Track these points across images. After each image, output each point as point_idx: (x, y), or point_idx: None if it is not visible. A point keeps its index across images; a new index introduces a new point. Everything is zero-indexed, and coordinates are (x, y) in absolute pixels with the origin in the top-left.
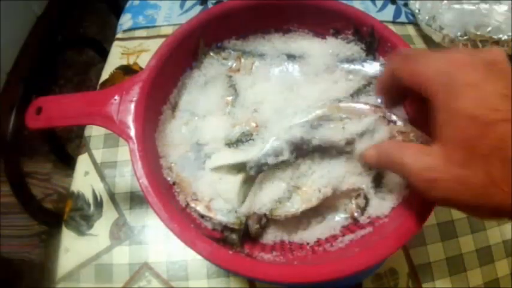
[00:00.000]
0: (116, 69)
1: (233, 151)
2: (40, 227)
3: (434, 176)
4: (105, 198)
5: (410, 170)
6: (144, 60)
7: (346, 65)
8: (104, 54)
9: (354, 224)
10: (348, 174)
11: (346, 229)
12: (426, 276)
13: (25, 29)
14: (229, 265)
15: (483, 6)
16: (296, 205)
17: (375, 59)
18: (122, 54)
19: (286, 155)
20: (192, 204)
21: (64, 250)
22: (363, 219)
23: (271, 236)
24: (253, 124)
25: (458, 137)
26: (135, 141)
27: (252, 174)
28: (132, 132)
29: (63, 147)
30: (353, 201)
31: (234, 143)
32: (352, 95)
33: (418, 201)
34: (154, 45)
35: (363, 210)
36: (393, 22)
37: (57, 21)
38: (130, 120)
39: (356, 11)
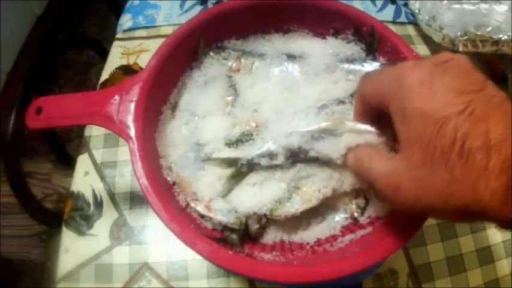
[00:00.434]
0: (116, 69)
1: (233, 151)
2: (40, 227)
3: (396, 180)
4: (105, 198)
5: (376, 176)
6: (144, 60)
7: (346, 65)
8: (104, 54)
9: (354, 224)
10: (348, 174)
11: (346, 229)
12: (426, 276)
13: (25, 29)
14: (229, 265)
15: (483, 6)
16: (296, 205)
17: (375, 59)
18: (122, 54)
19: (280, 160)
20: (192, 204)
21: (64, 250)
22: (363, 219)
23: (271, 236)
24: (253, 124)
25: (413, 137)
26: (135, 141)
27: (242, 171)
28: (132, 132)
29: (63, 147)
30: (353, 201)
31: (234, 143)
32: (352, 95)
33: None
34: (154, 45)
35: (363, 210)
36: (393, 22)
37: (57, 21)
38: (130, 120)
39: (356, 11)
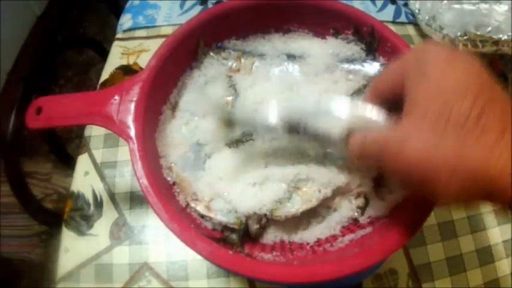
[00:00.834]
0: (116, 69)
1: (233, 151)
2: (40, 227)
3: (403, 136)
4: (105, 198)
5: (386, 141)
6: (144, 60)
7: (346, 65)
8: (104, 54)
9: (354, 224)
10: (348, 174)
11: (346, 229)
12: (426, 276)
13: (25, 29)
14: (229, 265)
15: (483, 6)
16: (296, 205)
17: (374, 59)
18: (122, 54)
19: (276, 132)
20: (192, 204)
21: (64, 250)
22: (362, 219)
23: (271, 236)
24: None
25: (429, 98)
26: (135, 141)
27: (237, 133)
28: (132, 132)
29: (63, 147)
30: (353, 201)
31: (234, 143)
32: (352, 95)
33: (418, 201)
34: (154, 45)
35: (363, 210)
36: (393, 22)
37: (57, 21)
38: (130, 120)
39: (356, 11)
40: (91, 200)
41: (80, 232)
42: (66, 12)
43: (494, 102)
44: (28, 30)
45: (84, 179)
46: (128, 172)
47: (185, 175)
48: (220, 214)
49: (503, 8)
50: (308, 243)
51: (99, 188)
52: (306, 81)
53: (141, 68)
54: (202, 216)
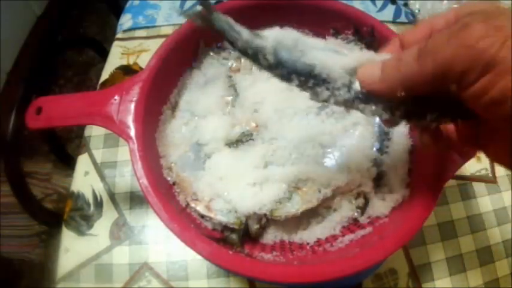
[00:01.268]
0: (116, 69)
1: (233, 151)
2: (40, 227)
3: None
4: (105, 198)
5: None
6: (144, 60)
7: None
8: (104, 54)
9: (354, 224)
10: (348, 174)
11: (346, 229)
12: (426, 276)
13: (25, 29)
14: (229, 265)
15: None
16: (296, 205)
17: None
18: (122, 54)
19: (265, 59)
20: (192, 204)
21: (64, 250)
22: (362, 219)
23: (271, 236)
24: (253, 124)
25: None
26: (135, 141)
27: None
28: (132, 132)
29: (63, 147)
30: (353, 201)
31: (234, 143)
32: None
33: (417, 201)
34: (154, 45)
35: (363, 210)
36: (393, 22)
37: (57, 21)
38: (130, 120)
39: (356, 11)
40: (91, 200)
41: (80, 232)
42: (66, 12)
43: None
44: (28, 30)
45: (84, 179)
46: (128, 172)
47: (185, 175)
48: (220, 214)
49: None
50: (308, 243)
51: (99, 188)
52: None
53: (141, 68)
54: (202, 216)
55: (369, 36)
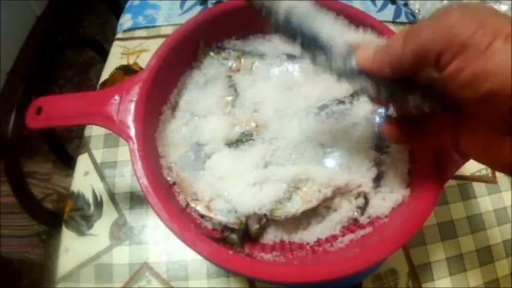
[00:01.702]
0: (116, 69)
1: (233, 151)
2: (40, 227)
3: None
4: (105, 198)
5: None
6: (144, 60)
7: None
8: (104, 54)
9: (354, 224)
10: (348, 174)
11: (346, 229)
12: (426, 276)
13: (25, 29)
14: (229, 265)
15: None
16: (296, 206)
17: None
18: (122, 54)
19: (276, 19)
20: (192, 204)
21: (64, 250)
22: (362, 219)
23: (271, 236)
24: (253, 124)
25: None
26: (135, 141)
27: None
28: (132, 132)
29: (63, 147)
30: (353, 201)
31: (234, 143)
32: (352, 95)
33: (417, 201)
34: (154, 45)
35: (363, 210)
36: (393, 22)
37: (57, 21)
38: (130, 120)
39: (356, 11)
40: (91, 200)
41: (80, 232)
42: (66, 12)
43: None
44: (28, 30)
45: (84, 179)
46: (128, 172)
47: (185, 175)
48: (220, 214)
49: (503, 8)
50: (308, 243)
51: (99, 188)
52: (306, 81)
53: (141, 68)
54: (202, 216)
55: None
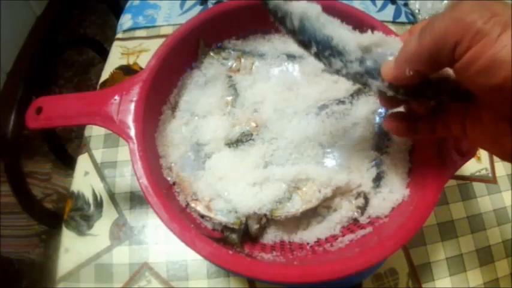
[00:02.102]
0: (116, 69)
1: (233, 151)
2: (40, 227)
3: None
4: (105, 198)
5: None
6: (144, 60)
7: None
8: (104, 54)
9: (354, 224)
10: (348, 174)
11: (346, 229)
12: (426, 276)
13: (25, 29)
14: (229, 265)
15: None
16: (296, 206)
17: None
18: (122, 54)
19: (291, 23)
20: (192, 204)
21: (64, 250)
22: (362, 219)
23: (271, 236)
24: (253, 124)
25: None
26: (135, 141)
27: None
28: (132, 132)
29: (63, 147)
30: (353, 201)
31: (234, 143)
32: (352, 95)
33: (417, 201)
34: (154, 45)
35: (363, 210)
36: (393, 22)
37: (57, 21)
38: (130, 120)
39: (356, 11)
40: (91, 200)
41: (80, 232)
42: (66, 12)
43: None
44: (28, 30)
45: (84, 179)
46: (128, 172)
47: (185, 175)
48: (220, 214)
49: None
50: (308, 243)
51: (99, 188)
52: (306, 81)
53: (141, 68)
54: (202, 216)
55: None
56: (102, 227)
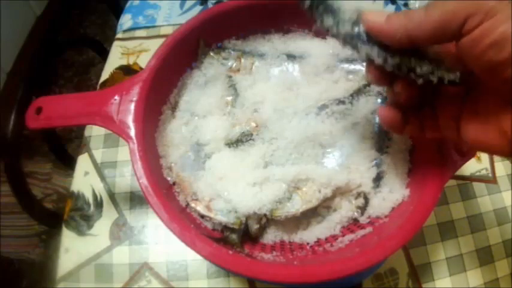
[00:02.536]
0: (116, 69)
1: (233, 151)
2: (40, 227)
3: None
4: (105, 198)
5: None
6: (144, 60)
7: (346, 65)
8: (104, 54)
9: (354, 224)
10: (348, 174)
11: (346, 229)
12: (426, 276)
13: (25, 29)
14: (229, 265)
15: None
16: (296, 206)
17: None
18: (122, 54)
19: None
20: (192, 204)
21: (64, 250)
22: (362, 219)
23: (271, 236)
24: (253, 124)
25: None
26: (135, 141)
27: None
28: (132, 132)
29: (63, 147)
30: (353, 201)
31: (234, 143)
32: (352, 95)
33: (417, 201)
34: (154, 45)
35: (363, 210)
36: None
37: (57, 21)
38: (130, 120)
39: None
40: (91, 200)
41: (80, 232)
42: (66, 12)
43: None
44: (28, 30)
45: (84, 179)
46: (128, 172)
47: (185, 175)
48: (220, 214)
49: None
50: (308, 243)
51: (99, 188)
52: (306, 81)
53: (141, 68)
54: (202, 216)
55: None
56: (102, 227)
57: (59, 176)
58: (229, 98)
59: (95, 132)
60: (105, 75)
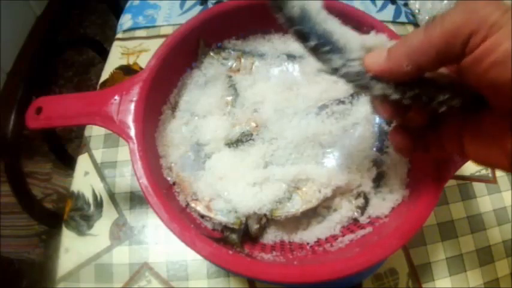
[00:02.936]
0: (116, 69)
1: (233, 151)
2: (40, 227)
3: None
4: (105, 198)
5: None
6: (144, 60)
7: None
8: (104, 54)
9: (354, 224)
10: (348, 174)
11: (346, 229)
12: (426, 276)
13: (25, 29)
14: (229, 265)
15: None
16: (296, 206)
17: None
18: (122, 54)
19: (290, 11)
20: (192, 204)
21: (64, 250)
22: (362, 219)
23: (271, 236)
24: (253, 124)
25: None
26: (135, 141)
27: None
28: (132, 132)
29: (63, 147)
30: (353, 201)
31: (234, 143)
32: (352, 95)
33: (417, 201)
34: (154, 45)
35: (363, 210)
36: (393, 22)
37: (57, 21)
38: (130, 120)
39: (356, 11)
40: (91, 200)
41: (80, 232)
42: (66, 12)
43: None
44: (28, 30)
45: (84, 179)
46: (128, 172)
47: (185, 175)
48: (220, 214)
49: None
50: (308, 243)
51: (99, 188)
52: (306, 81)
53: (141, 68)
54: (202, 216)
55: None
56: (102, 227)
57: (59, 176)
58: (229, 98)
59: (95, 132)
60: (105, 75)
